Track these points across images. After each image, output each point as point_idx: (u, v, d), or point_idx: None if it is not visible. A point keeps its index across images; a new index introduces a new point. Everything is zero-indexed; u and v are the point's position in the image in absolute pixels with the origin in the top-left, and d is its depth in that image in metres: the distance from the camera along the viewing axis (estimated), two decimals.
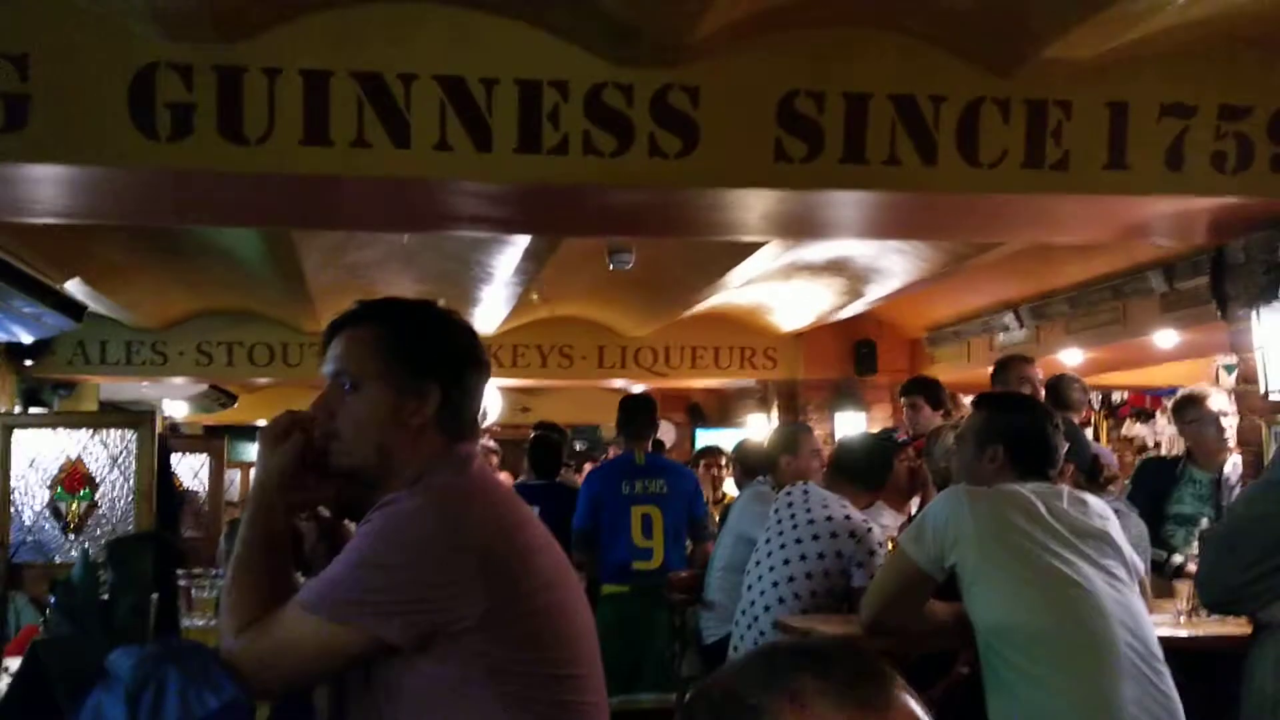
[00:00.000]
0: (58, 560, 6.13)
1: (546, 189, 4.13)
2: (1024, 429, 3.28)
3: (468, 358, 2.21)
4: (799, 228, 5.07)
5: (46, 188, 4.27)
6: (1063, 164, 4.14)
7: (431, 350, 2.15)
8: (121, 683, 2.12)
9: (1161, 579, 4.61)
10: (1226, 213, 4.46)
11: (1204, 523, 5.07)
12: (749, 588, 4.30)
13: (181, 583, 2.50)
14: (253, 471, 2.20)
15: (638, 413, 6.29)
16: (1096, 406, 11.32)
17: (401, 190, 4.25)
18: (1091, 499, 3.27)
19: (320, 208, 4.69)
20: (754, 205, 4.44)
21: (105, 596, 2.45)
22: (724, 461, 8.51)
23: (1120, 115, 4.18)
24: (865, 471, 4.43)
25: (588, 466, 9.45)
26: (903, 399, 6.41)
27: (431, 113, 3.95)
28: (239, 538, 2.18)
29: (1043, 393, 5.59)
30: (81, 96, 3.84)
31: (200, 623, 2.43)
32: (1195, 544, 5.03)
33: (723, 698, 1.07)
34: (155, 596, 2.58)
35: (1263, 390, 4.90)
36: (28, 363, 9.62)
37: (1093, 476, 4.75)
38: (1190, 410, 5.18)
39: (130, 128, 3.84)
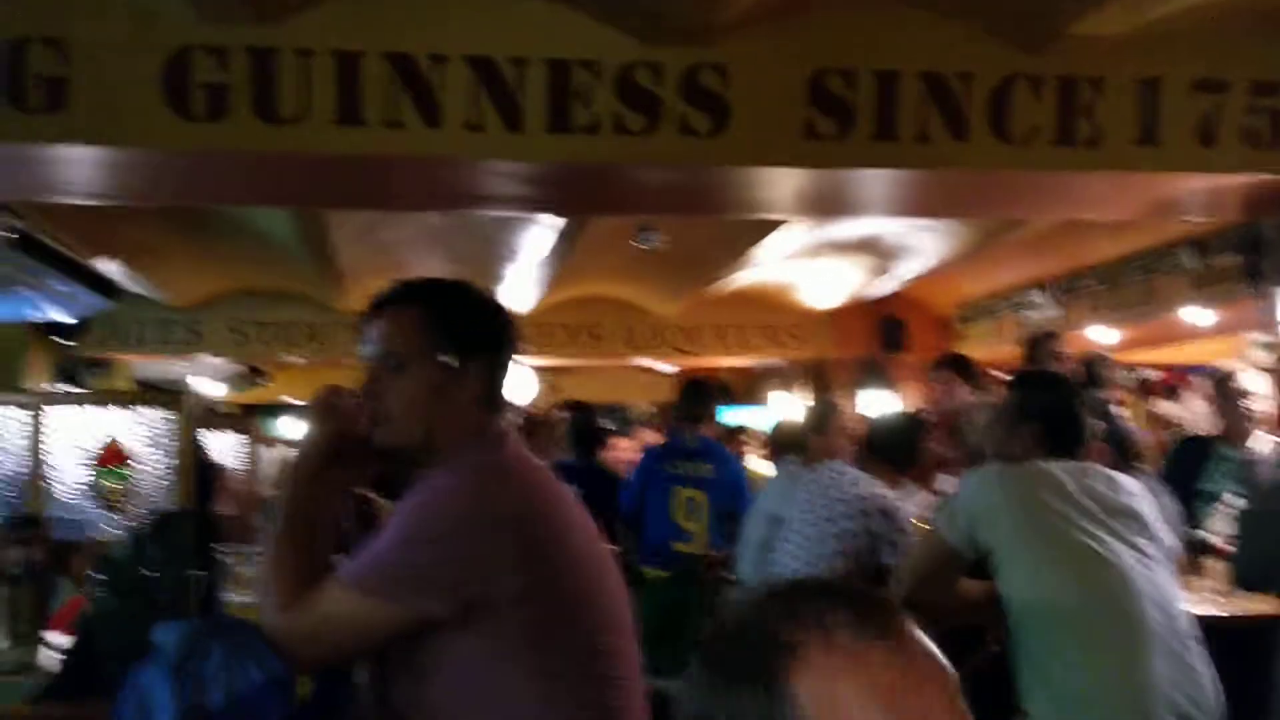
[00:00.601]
0: (97, 538, 6.20)
1: (577, 168, 4.14)
2: (1055, 408, 3.28)
3: (505, 335, 2.24)
4: (829, 206, 5.07)
5: (84, 169, 4.31)
6: (1094, 141, 4.12)
7: (473, 329, 2.18)
8: (166, 656, 2.16)
9: (1190, 556, 4.60)
10: (1259, 189, 4.43)
11: (1225, 498, 5.07)
12: (779, 566, 4.31)
13: (226, 559, 2.54)
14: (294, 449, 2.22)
15: (693, 394, 6.34)
16: (1133, 385, 11.27)
17: (433, 170, 4.27)
18: (1122, 477, 3.27)
19: (353, 188, 4.72)
20: (784, 184, 4.43)
21: (149, 572, 2.49)
22: (744, 439, 8.55)
23: (1151, 91, 4.16)
24: (897, 451, 4.43)
25: (622, 442, 9.43)
26: (933, 374, 6.39)
27: (463, 93, 3.97)
28: (280, 514, 2.21)
29: (1078, 370, 5.58)
30: (118, 79, 3.87)
31: (244, 598, 2.46)
32: (1219, 521, 5.03)
33: (746, 632, 1.10)
34: (198, 572, 2.63)
35: None
36: (64, 341, 9.72)
37: (1123, 454, 4.75)
38: (1224, 387, 5.17)
39: (166, 109, 3.88)
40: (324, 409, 2.24)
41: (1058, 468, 3.14)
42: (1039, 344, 5.77)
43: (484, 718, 2.02)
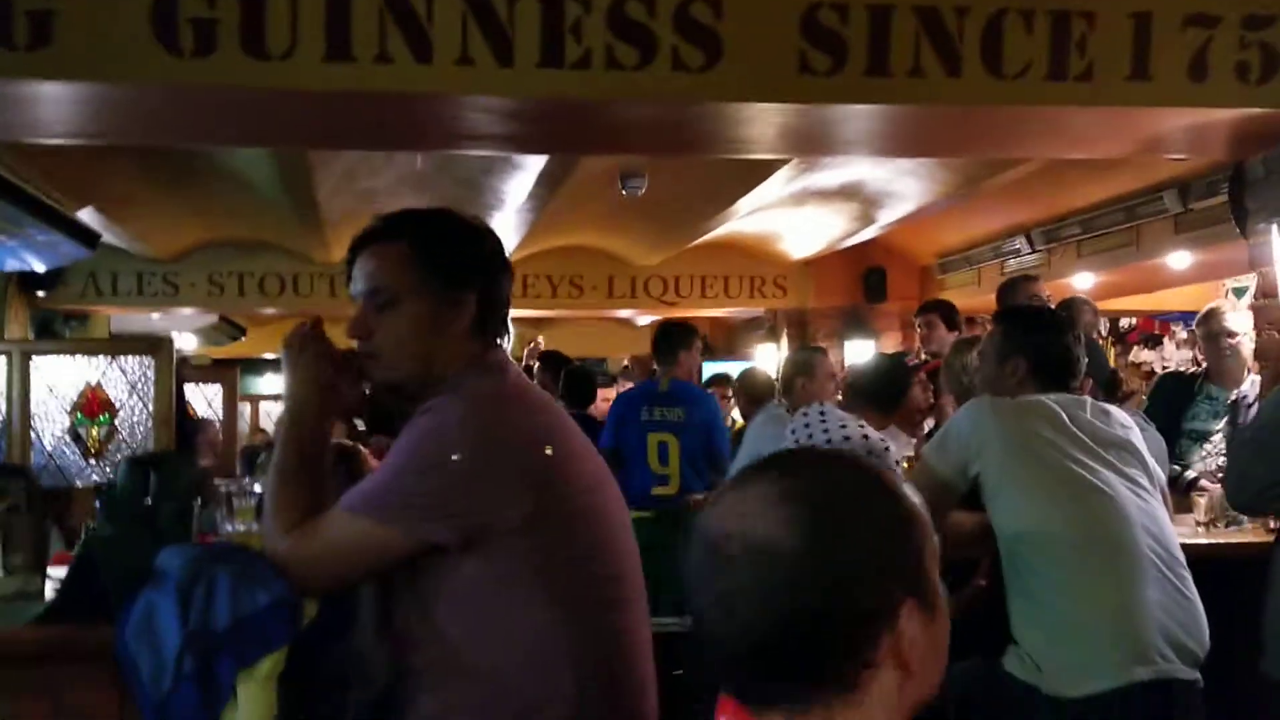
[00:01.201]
0: (79, 485, 6.20)
1: (568, 104, 4.11)
2: (1045, 341, 3.30)
3: (497, 262, 2.23)
4: (821, 144, 5.05)
5: (69, 107, 4.25)
6: (1086, 75, 4.11)
7: (463, 259, 2.16)
8: (173, 580, 2.16)
9: (1176, 493, 4.65)
10: (1248, 125, 4.44)
11: (1215, 439, 5.12)
12: None
13: (223, 489, 2.54)
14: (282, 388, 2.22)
15: (670, 337, 6.37)
16: (1105, 332, 11.35)
17: (423, 106, 4.23)
18: (1114, 409, 3.30)
19: (341, 126, 4.67)
20: (776, 120, 4.41)
21: (149, 502, 2.49)
22: (729, 391, 8.57)
23: (1143, 26, 4.15)
24: (881, 393, 4.43)
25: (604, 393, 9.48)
26: (917, 319, 6.43)
27: (453, 27, 3.93)
28: (278, 444, 2.21)
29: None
30: (105, 13, 3.81)
31: (241, 528, 2.47)
32: (1207, 460, 5.09)
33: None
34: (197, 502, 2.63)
35: None
36: (40, 294, 9.66)
37: (1110, 391, 4.79)
38: (1211, 326, 5.21)
39: (154, 44, 3.82)
40: (300, 342, 2.23)
41: (1050, 399, 3.16)
42: (1014, 287, 5.78)
43: (487, 643, 2.03)
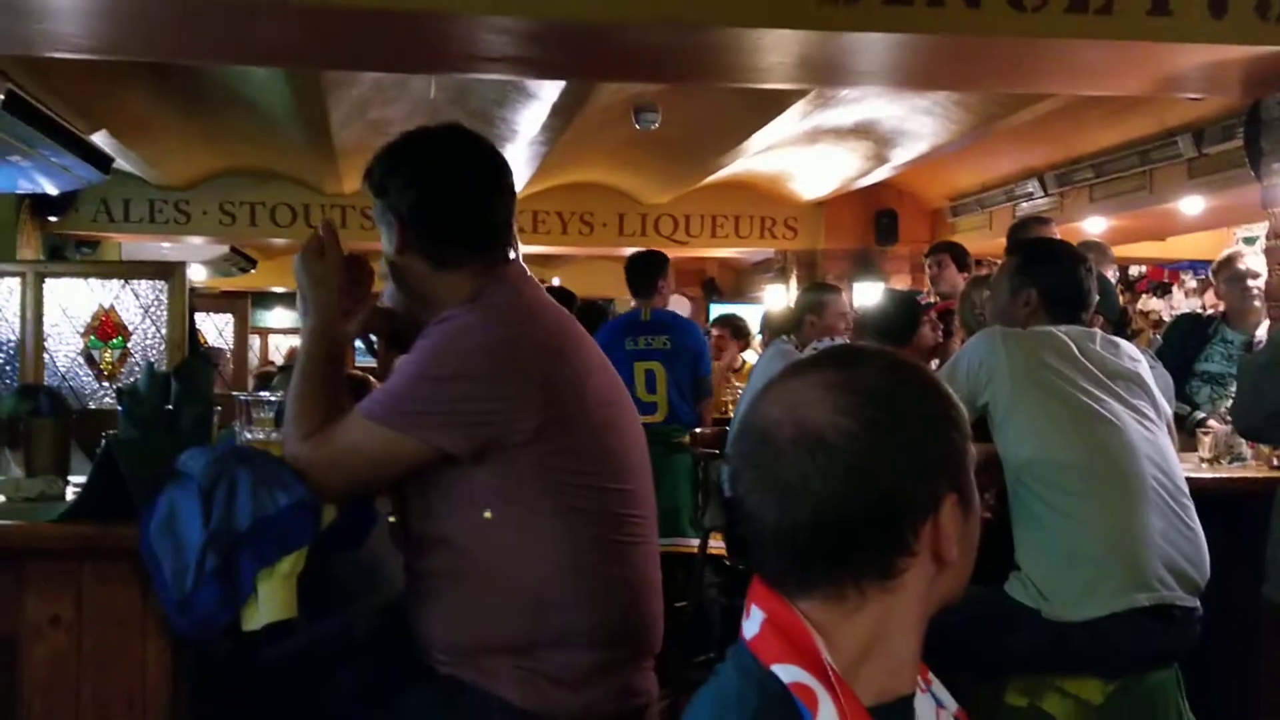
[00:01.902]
0: (92, 406, 6.24)
1: (585, 26, 4.09)
2: (1056, 273, 3.30)
3: (500, 184, 2.25)
4: (838, 74, 5.02)
5: (79, 18, 4.23)
6: (1106, 9, 4.09)
7: (465, 200, 2.20)
8: (195, 480, 2.20)
9: (1183, 433, 4.67)
10: (1266, 63, 4.42)
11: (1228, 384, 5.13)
12: None
13: (242, 399, 2.57)
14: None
15: (643, 268, 6.37)
16: (1114, 279, 11.32)
17: (441, 25, 4.21)
18: (1124, 342, 3.31)
19: (351, 45, 4.65)
20: (794, 48, 4.39)
21: (170, 407, 2.52)
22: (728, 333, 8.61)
23: None
24: (892, 328, 4.45)
25: None
26: (928, 259, 6.41)
27: None
28: (303, 351, 2.25)
29: None
30: None
31: (260, 435, 2.50)
32: (1215, 402, 5.10)
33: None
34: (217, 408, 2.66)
35: None
36: (52, 219, 9.66)
37: (1121, 328, 4.80)
38: (1228, 269, 5.20)
39: None
40: (318, 249, 2.25)
41: (1061, 330, 3.17)
42: (1027, 228, 5.75)
43: (497, 551, 2.08)
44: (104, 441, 2.36)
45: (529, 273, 2.30)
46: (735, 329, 8.55)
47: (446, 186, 2.19)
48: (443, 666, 2.09)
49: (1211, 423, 4.83)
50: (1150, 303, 11.89)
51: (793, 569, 1.16)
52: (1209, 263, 6.01)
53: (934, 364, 4.99)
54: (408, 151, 2.22)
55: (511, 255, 2.25)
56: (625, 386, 2.31)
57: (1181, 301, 11.10)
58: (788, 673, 1.12)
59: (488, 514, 2.08)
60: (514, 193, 2.28)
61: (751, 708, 1.12)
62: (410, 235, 2.17)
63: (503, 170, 2.26)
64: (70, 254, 10.47)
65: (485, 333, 2.08)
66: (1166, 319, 11.42)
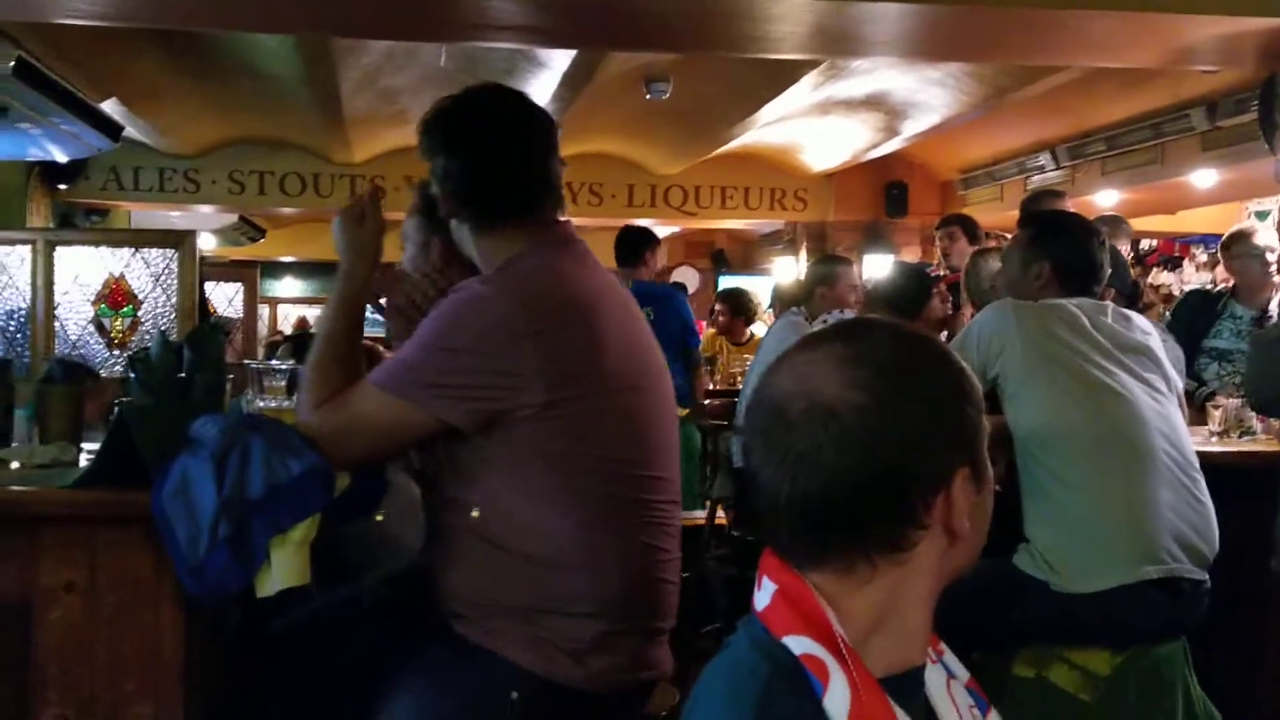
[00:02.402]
0: (102, 374, 6.26)
1: None
2: (1069, 246, 3.29)
3: (540, 147, 2.25)
4: (851, 44, 4.99)
5: None
6: None
7: (505, 172, 2.21)
8: (208, 448, 2.21)
9: (1192, 408, 4.66)
10: (1277, 36, 4.39)
11: (1236, 360, 5.11)
12: None
13: (254, 367, 2.58)
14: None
15: (634, 239, 6.41)
16: (1127, 253, 11.28)
17: None
18: (1135, 315, 3.30)
19: (372, 11, 4.63)
20: (806, 18, 4.36)
21: (182, 375, 2.53)
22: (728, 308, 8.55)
23: None
24: (902, 299, 4.44)
25: None
26: (939, 231, 6.41)
27: None
28: (327, 317, 2.26)
29: None
30: None
31: (273, 404, 2.51)
32: (1224, 379, 5.09)
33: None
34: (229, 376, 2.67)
35: None
36: (61, 187, 9.66)
37: (1132, 301, 4.78)
38: (1238, 244, 5.18)
39: None
40: (358, 214, 2.26)
41: (1072, 303, 3.17)
42: (1039, 201, 5.72)
43: (505, 521, 2.09)
44: (116, 409, 2.37)
45: (575, 237, 2.29)
46: (735, 305, 8.43)
47: (484, 152, 2.21)
48: (458, 621, 2.11)
49: (1220, 398, 4.83)
50: (1161, 276, 11.85)
51: (804, 541, 1.17)
52: (1220, 236, 6.00)
53: (943, 336, 4.99)
54: (446, 117, 2.23)
55: (560, 217, 2.27)
56: (661, 366, 2.29)
57: (1192, 275, 11.05)
58: (799, 644, 1.13)
59: (497, 482, 2.09)
60: (556, 153, 2.28)
61: (764, 679, 1.13)
62: (453, 200, 2.20)
63: (545, 130, 2.27)
64: (80, 222, 10.47)
65: (493, 306, 2.08)
66: (1177, 293, 11.39)
